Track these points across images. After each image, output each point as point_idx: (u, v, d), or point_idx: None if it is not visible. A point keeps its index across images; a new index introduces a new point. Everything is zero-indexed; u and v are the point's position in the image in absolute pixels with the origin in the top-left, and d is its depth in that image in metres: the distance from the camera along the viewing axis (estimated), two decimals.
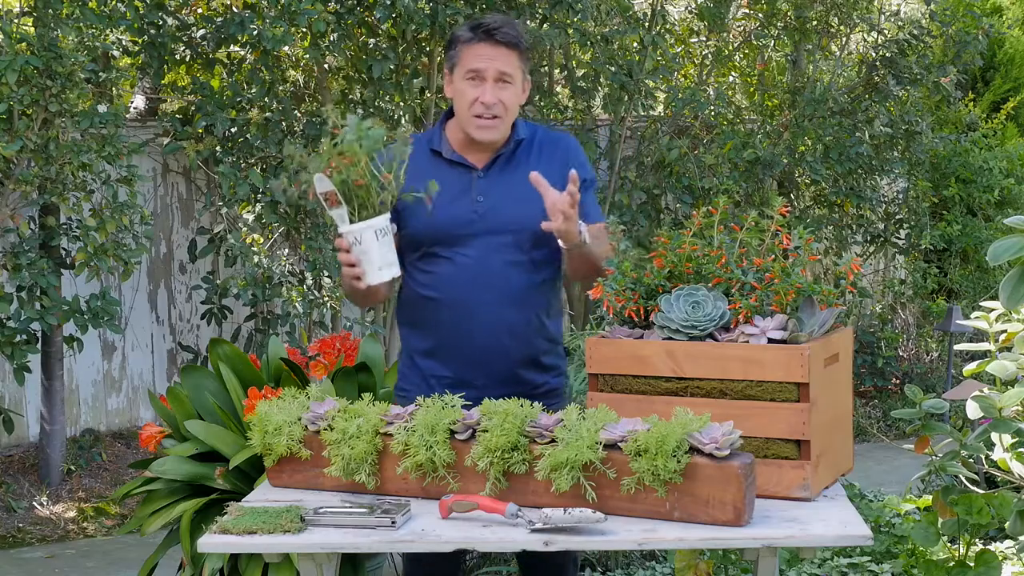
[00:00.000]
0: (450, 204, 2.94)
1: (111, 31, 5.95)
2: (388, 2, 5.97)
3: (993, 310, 3.52)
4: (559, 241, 2.87)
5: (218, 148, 6.14)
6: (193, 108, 6.28)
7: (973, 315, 3.58)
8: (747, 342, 2.54)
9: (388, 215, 2.65)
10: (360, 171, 2.57)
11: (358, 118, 2.63)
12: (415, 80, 6.49)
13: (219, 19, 6.16)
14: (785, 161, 7.48)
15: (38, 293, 5.45)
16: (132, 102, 7.18)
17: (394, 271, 2.68)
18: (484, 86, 2.93)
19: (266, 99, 6.13)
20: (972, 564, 3.35)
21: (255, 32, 5.86)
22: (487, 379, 2.96)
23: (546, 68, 7.36)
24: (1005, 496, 3.31)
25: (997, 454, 3.43)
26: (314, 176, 2.57)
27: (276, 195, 2.76)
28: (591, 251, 2.90)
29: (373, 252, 2.63)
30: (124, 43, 6.38)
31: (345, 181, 2.57)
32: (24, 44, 5.20)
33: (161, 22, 6.10)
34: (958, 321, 5.86)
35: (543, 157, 3.04)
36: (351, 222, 2.60)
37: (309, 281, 6.35)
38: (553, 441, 2.44)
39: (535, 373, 3.05)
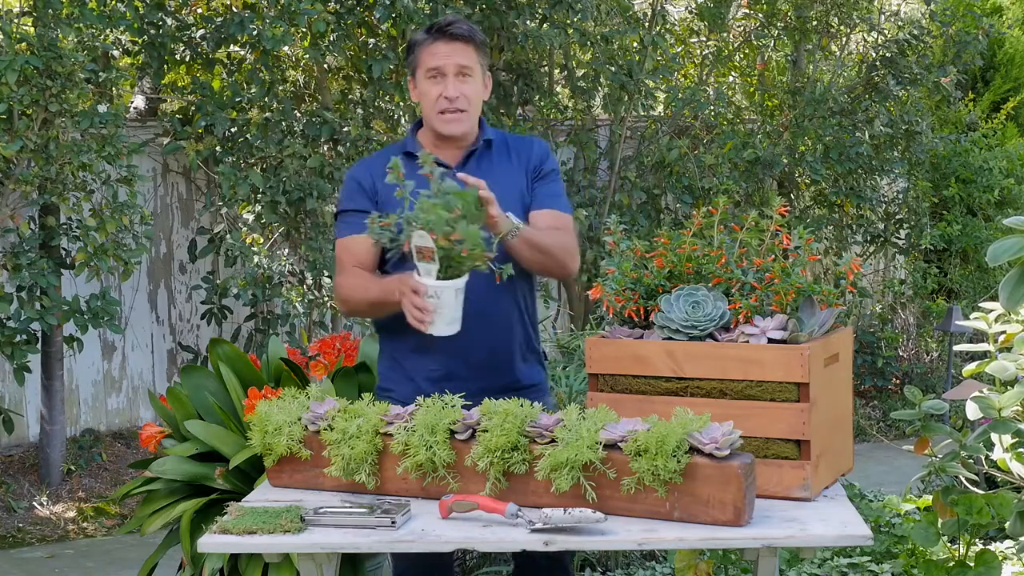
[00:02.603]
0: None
1: (111, 31, 5.96)
2: (388, 2, 5.97)
3: (992, 311, 3.52)
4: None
5: (218, 148, 6.14)
6: (193, 108, 6.28)
7: (972, 316, 3.58)
8: (747, 342, 2.55)
9: (467, 276, 2.71)
10: (470, 245, 2.64)
11: (449, 188, 2.67)
12: None
13: (219, 19, 6.16)
14: (785, 161, 7.48)
15: (38, 293, 5.46)
16: (132, 102, 7.18)
17: (457, 327, 2.75)
18: (446, 81, 2.99)
19: (266, 99, 6.13)
20: (972, 564, 3.35)
21: (255, 32, 5.86)
22: (472, 371, 2.98)
23: (546, 68, 7.36)
24: (1005, 496, 3.31)
25: (997, 454, 3.43)
26: (415, 232, 2.63)
27: (372, 233, 2.82)
28: (532, 239, 2.91)
29: (448, 308, 2.71)
30: (124, 43, 6.38)
31: (447, 248, 2.64)
32: (24, 44, 5.20)
33: (161, 22, 6.10)
34: (958, 321, 5.87)
35: (512, 155, 3.10)
36: (437, 278, 2.67)
37: (309, 281, 6.36)
38: (553, 441, 2.44)
39: (518, 365, 3.07)
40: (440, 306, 2.69)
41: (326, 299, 6.40)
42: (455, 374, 2.97)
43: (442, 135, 3.04)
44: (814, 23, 8.01)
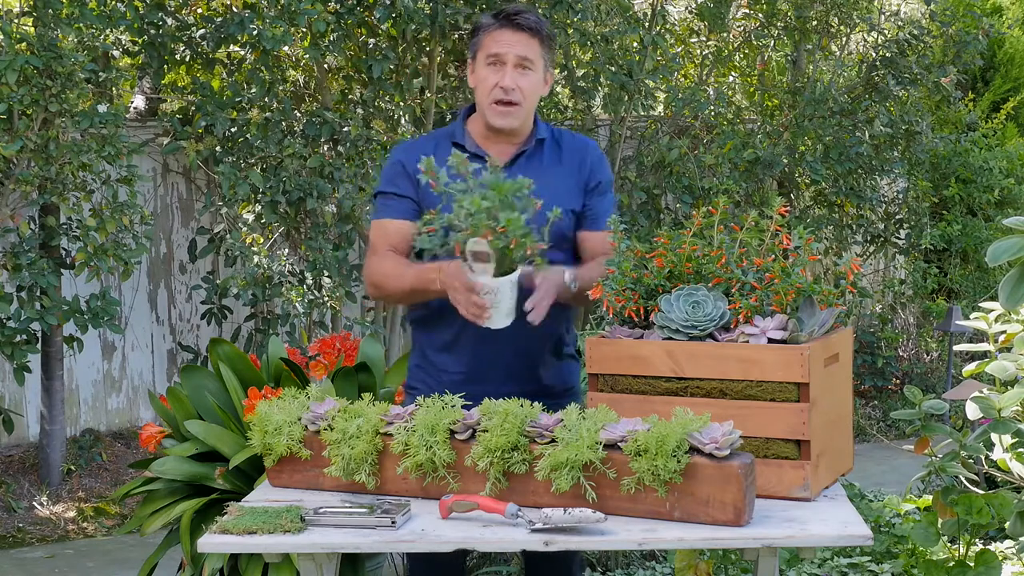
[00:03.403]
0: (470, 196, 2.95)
1: (111, 31, 5.95)
2: (388, 2, 5.97)
3: (992, 311, 3.52)
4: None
5: (218, 148, 6.14)
6: (193, 108, 6.28)
7: (972, 316, 3.58)
8: (747, 342, 2.54)
9: (521, 268, 2.72)
10: (518, 239, 2.65)
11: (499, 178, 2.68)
12: (415, 80, 6.49)
13: (219, 19, 6.16)
14: (785, 161, 7.48)
15: (38, 293, 5.45)
16: (132, 102, 7.18)
17: (513, 317, 2.75)
18: (504, 70, 2.93)
19: (266, 99, 6.13)
20: (972, 564, 3.35)
21: (255, 32, 5.86)
22: (498, 374, 2.95)
23: None
24: (1005, 496, 3.31)
25: (997, 454, 3.43)
26: (470, 240, 2.65)
27: (422, 243, 2.82)
28: (585, 287, 2.86)
29: (505, 302, 2.71)
30: (124, 43, 6.38)
31: (501, 248, 2.65)
32: (24, 44, 5.20)
33: (161, 22, 6.10)
34: (958, 321, 5.87)
35: (564, 157, 3.04)
36: (493, 276, 2.69)
37: (309, 281, 6.35)
38: (553, 441, 2.44)
39: (547, 370, 3.03)
40: (498, 301, 2.70)
41: (326, 299, 6.40)
42: (479, 376, 2.94)
43: (492, 127, 2.98)
44: (814, 23, 8.00)
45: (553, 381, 3.05)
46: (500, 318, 2.72)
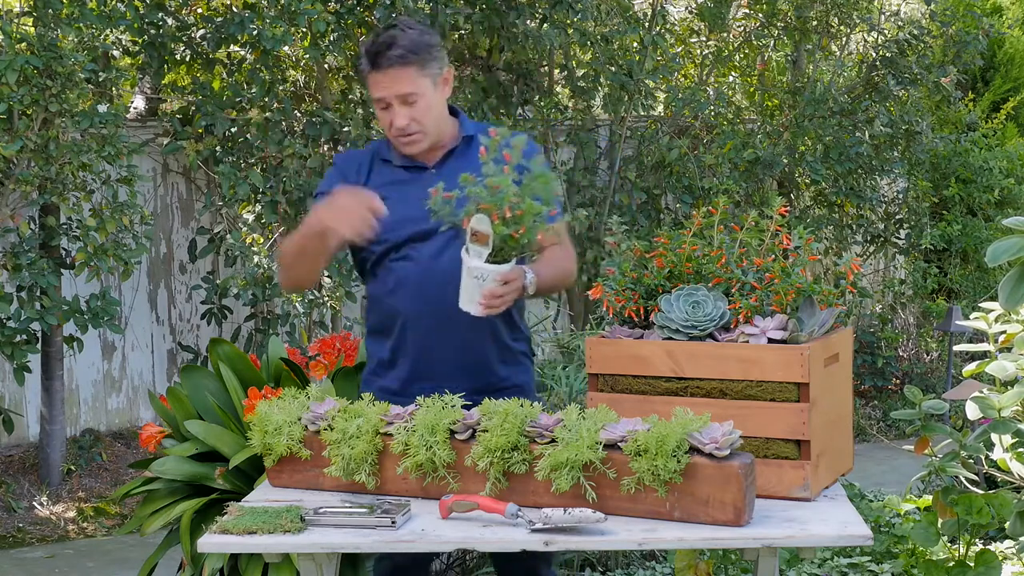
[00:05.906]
0: (404, 203, 2.92)
1: (111, 31, 5.95)
2: (388, 2, 5.97)
3: (992, 311, 3.52)
4: None
5: (218, 148, 6.14)
6: (193, 108, 6.28)
7: (972, 316, 3.58)
8: (747, 342, 2.54)
9: (513, 263, 2.72)
10: (523, 232, 2.65)
11: (549, 171, 2.70)
12: None
13: (219, 19, 6.16)
14: (785, 161, 7.48)
15: (38, 293, 5.45)
16: (132, 102, 7.18)
17: (477, 306, 2.75)
18: (392, 111, 2.94)
19: (266, 99, 6.13)
20: (972, 564, 3.35)
21: (255, 32, 5.86)
22: (442, 371, 2.95)
23: (546, 68, 7.37)
24: (1005, 496, 3.31)
25: (997, 454, 3.43)
26: (475, 217, 2.65)
27: (435, 204, 2.79)
28: (545, 285, 2.89)
29: (484, 291, 2.72)
30: (124, 43, 6.38)
31: (503, 236, 2.65)
32: (24, 44, 5.20)
33: (161, 22, 6.10)
34: (958, 321, 5.87)
35: None
36: (486, 262, 2.69)
37: None
38: (553, 441, 2.44)
39: (493, 366, 3.02)
40: (479, 286, 2.70)
41: (326, 299, 6.40)
42: (424, 374, 2.96)
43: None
44: (814, 23, 8.01)
45: (500, 377, 3.02)
46: (469, 304, 2.72)
